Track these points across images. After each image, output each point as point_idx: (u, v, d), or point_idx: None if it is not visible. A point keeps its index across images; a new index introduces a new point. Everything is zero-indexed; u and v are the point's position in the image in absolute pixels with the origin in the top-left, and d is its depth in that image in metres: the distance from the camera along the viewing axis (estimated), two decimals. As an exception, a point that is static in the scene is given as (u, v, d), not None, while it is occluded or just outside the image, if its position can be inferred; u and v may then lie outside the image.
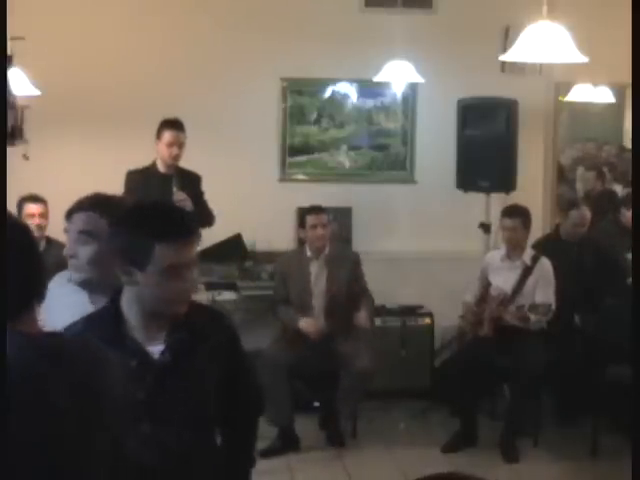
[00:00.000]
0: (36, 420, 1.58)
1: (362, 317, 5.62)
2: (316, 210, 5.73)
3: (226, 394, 2.47)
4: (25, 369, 1.60)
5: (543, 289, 5.58)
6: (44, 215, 5.78)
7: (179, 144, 5.57)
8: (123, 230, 2.33)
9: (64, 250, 2.72)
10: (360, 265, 5.82)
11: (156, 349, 2.34)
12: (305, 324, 5.59)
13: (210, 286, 5.98)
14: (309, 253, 5.73)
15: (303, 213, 5.88)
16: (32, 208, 5.77)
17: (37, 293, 1.74)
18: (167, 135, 5.54)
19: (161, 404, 2.32)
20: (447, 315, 6.32)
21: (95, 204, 2.71)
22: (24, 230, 1.75)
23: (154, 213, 2.39)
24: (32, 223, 5.44)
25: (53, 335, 1.79)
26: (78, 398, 1.66)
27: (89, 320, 2.41)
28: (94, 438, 1.70)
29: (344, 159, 6.89)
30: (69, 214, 2.71)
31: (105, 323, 2.34)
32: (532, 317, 5.41)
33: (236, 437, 2.62)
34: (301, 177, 6.84)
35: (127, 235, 2.31)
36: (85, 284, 2.71)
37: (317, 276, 5.72)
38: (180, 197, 5.42)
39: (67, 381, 1.65)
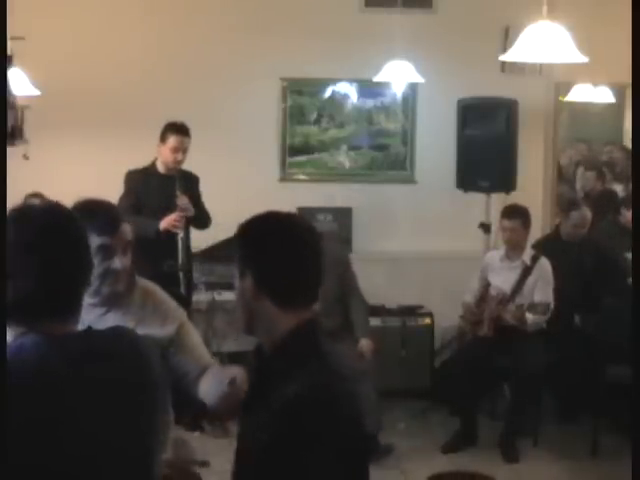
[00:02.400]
0: (51, 419, 1.55)
1: (365, 346, 5.48)
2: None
3: None
4: (42, 370, 1.58)
5: (542, 289, 5.58)
6: None
7: (183, 149, 5.41)
8: None
9: (113, 264, 2.57)
10: (350, 266, 5.74)
11: None
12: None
13: (210, 286, 5.99)
14: None
15: None
16: None
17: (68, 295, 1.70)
18: (172, 140, 5.37)
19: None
20: (447, 315, 6.32)
21: (118, 213, 2.71)
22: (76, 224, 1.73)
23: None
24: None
25: (79, 336, 1.71)
26: (102, 398, 1.62)
27: None
28: (120, 439, 1.65)
29: (344, 159, 6.88)
30: (115, 227, 2.59)
31: None
32: (530, 316, 5.42)
33: None
34: (301, 177, 6.83)
35: None
36: (117, 296, 2.65)
37: None
38: (183, 201, 5.36)
39: (89, 380, 1.62)
